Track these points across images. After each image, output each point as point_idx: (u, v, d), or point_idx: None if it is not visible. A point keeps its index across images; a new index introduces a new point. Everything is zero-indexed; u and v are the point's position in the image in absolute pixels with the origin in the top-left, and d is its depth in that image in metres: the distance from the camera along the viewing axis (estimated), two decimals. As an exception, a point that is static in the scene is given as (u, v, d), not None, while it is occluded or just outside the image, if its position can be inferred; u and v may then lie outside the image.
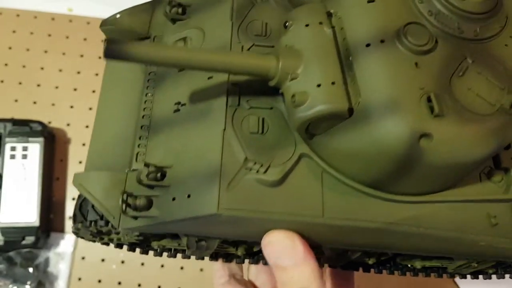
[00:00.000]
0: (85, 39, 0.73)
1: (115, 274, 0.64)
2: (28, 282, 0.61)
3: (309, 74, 0.29)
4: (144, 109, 0.34)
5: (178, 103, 0.33)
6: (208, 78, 0.32)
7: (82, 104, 0.70)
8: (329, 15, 0.31)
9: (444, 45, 0.28)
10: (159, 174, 0.30)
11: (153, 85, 0.35)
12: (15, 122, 0.63)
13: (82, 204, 0.35)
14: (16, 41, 0.72)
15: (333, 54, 0.29)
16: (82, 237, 0.38)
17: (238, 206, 0.28)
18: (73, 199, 0.66)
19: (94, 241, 0.38)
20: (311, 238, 0.31)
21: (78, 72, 0.72)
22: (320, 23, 0.30)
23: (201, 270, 0.66)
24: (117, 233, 0.35)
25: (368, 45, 0.28)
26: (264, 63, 0.29)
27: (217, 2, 0.36)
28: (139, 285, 0.64)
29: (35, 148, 0.62)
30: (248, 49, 0.33)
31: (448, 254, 0.35)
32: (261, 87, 0.31)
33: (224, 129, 0.30)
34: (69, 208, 0.66)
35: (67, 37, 0.73)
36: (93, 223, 0.34)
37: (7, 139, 0.62)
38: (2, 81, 0.70)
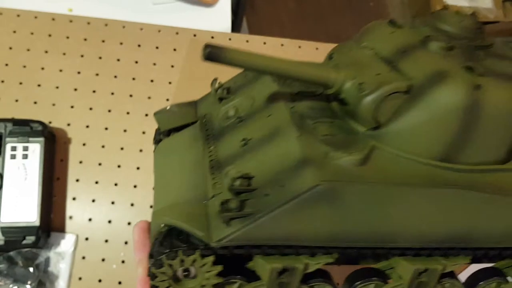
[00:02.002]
0: (85, 39, 0.74)
1: (115, 274, 0.65)
2: (29, 282, 0.61)
3: (366, 71, 0.34)
4: (210, 155, 0.37)
5: (244, 139, 0.36)
6: (268, 116, 0.37)
7: (82, 104, 0.71)
8: (362, 47, 0.38)
9: (459, 47, 0.35)
10: (245, 181, 0.32)
11: (213, 140, 0.39)
12: (16, 122, 0.63)
13: (162, 241, 0.33)
14: (16, 41, 0.72)
15: (379, 60, 0.35)
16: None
17: (334, 177, 0.30)
18: (74, 199, 0.67)
19: None
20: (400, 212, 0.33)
21: (79, 72, 0.72)
22: (361, 47, 0.37)
23: (201, 269, 0.66)
24: (194, 278, 0.33)
25: (403, 51, 0.35)
26: (327, 73, 0.35)
27: (256, 80, 0.42)
28: (139, 284, 0.64)
29: (35, 148, 0.62)
30: (296, 94, 0.39)
31: None
32: (315, 110, 0.37)
33: (298, 135, 0.33)
34: (70, 208, 0.66)
35: (68, 37, 0.73)
36: (176, 252, 0.31)
37: (8, 139, 0.62)
38: (2, 81, 0.70)
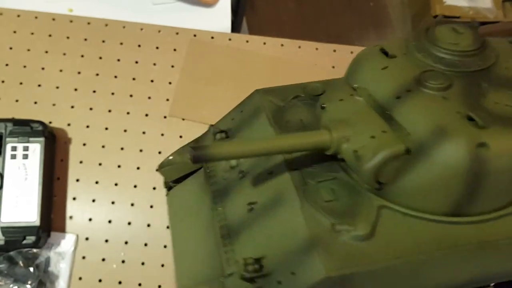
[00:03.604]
0: (85, 40, 0.74)
1: (115, 273, 0.65)
2: (29, 282, 0.61)
3: (360, 132, 0.32)
4: (219, 219, 0.37)
5: (250, 203, 0.36)
6: (268, 174, 0.36)
7: (82, 104, 0.71)
8: (354, 89, 0.36)
9: (458, 79, 0.33)
10: (257, 266, 0.32)
11: (220, 199, 0.39)
12: (16, 122, 0.63)
13: None
14: (16, 41, 0.72)
15: (372, 112, 0.33)
16: None
17: (343, 265, 0.30)
18: (74, 199, 0.67)
19: None
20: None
21: (79, 72, 0.72)
22: (351, 95, 0.35)
23: (201, 269, 0.66)
24: None
25: (398, 97, 0.33)
26: (320, 138, 0.33)
27: (253, 119, 0.41)
28: (140, 284, 0.64)
29: (36, 148, 0.62)
30: None
31: None
32: (318, 164, 0.35)
33: (301, 206, 0.32)
34: (70, 208, 0.66)
35: (68, 38, 0.74)
36: None
37: (8, 139, 0.62)
38: (3, 81, 0.70)
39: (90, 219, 0.66)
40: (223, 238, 0.35)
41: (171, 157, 0.46)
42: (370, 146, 0.31)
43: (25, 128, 0.63)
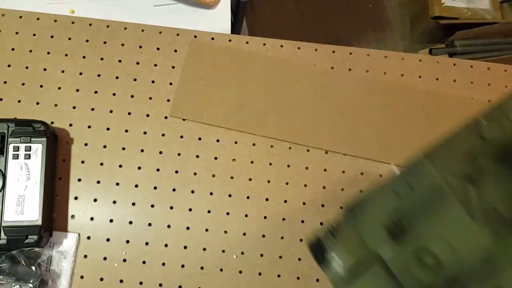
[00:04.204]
0: (87, 41, 0.74)
1: (117, 272, 0.65)
2: (31, 281, 0.61)
3: None
4: None
5: None
6: None
7: (84, 104, 0.71)
8: None
9: None
10: None
11: None
12: (18, 122, 0.64)
13: None
14: (19, 42, 0.73)
15: None
16: None
17: None
18: (75, 198, 0.67)
19: None
20: None
21: (80, 73, 0.73)
22: None
23: (202, 268, 0.66)
24: None
25: None
26: None
27: (435, 206, 0.31)
28: (141, 283, 0.65)
29: (38, 148, 0.63)
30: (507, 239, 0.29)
31: None
32: None
33: None
34: (72, 207, 0.67)
35: (69, 39, 0.74)
36: None
37: (10, 139, 0.63)
38: (5, 82, 0.71)
39: (91, 218, 0.67)
40: None
41: (334, 255, 0.36)
42: None
43: (27, 128, 0.63)
